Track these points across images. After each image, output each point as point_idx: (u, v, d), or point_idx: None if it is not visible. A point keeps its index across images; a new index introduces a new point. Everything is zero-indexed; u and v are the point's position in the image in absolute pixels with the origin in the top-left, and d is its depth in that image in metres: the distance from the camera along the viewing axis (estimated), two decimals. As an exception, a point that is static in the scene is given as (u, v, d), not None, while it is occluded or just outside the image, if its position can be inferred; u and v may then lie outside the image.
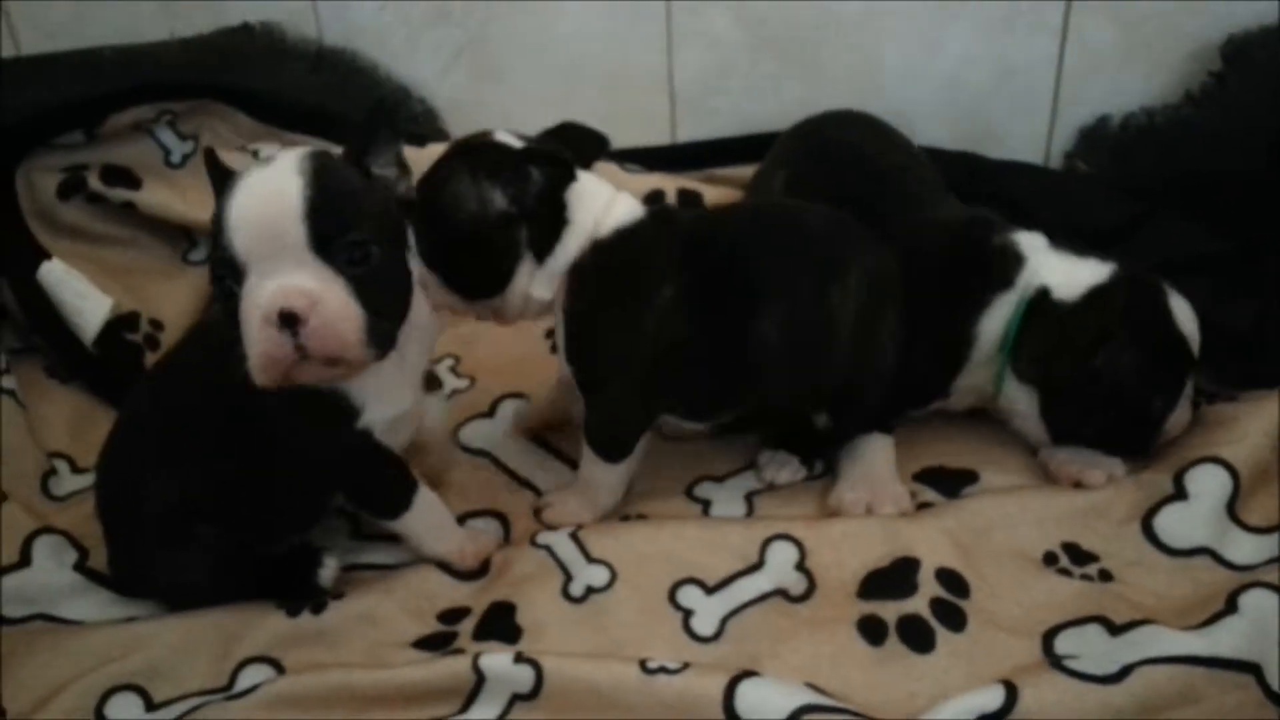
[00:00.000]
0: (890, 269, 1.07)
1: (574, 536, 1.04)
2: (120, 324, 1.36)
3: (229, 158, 1.35)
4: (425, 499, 1.02)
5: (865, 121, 1.35)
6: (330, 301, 0.83)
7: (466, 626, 0.99)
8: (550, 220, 1.00)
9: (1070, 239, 1.13)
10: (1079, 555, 1.01)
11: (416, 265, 0.96)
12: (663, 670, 0.87)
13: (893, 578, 0.98)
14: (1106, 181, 1.46)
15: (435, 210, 0.98)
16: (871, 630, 0.94)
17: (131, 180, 1.42)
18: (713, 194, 1.50)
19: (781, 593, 0.99)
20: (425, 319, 0.99)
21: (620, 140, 1.14)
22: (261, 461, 0.98)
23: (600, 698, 0.88)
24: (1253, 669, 0.84)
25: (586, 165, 1.05)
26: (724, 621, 0.97)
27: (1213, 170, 1.36)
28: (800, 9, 1.51)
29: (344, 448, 0.97)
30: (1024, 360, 1.09)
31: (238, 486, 0.99)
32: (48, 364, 1.35)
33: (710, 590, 0.99)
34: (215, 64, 1.54)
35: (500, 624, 0.98)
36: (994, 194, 1.35)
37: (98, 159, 1.42)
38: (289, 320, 0.82)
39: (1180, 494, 1.03)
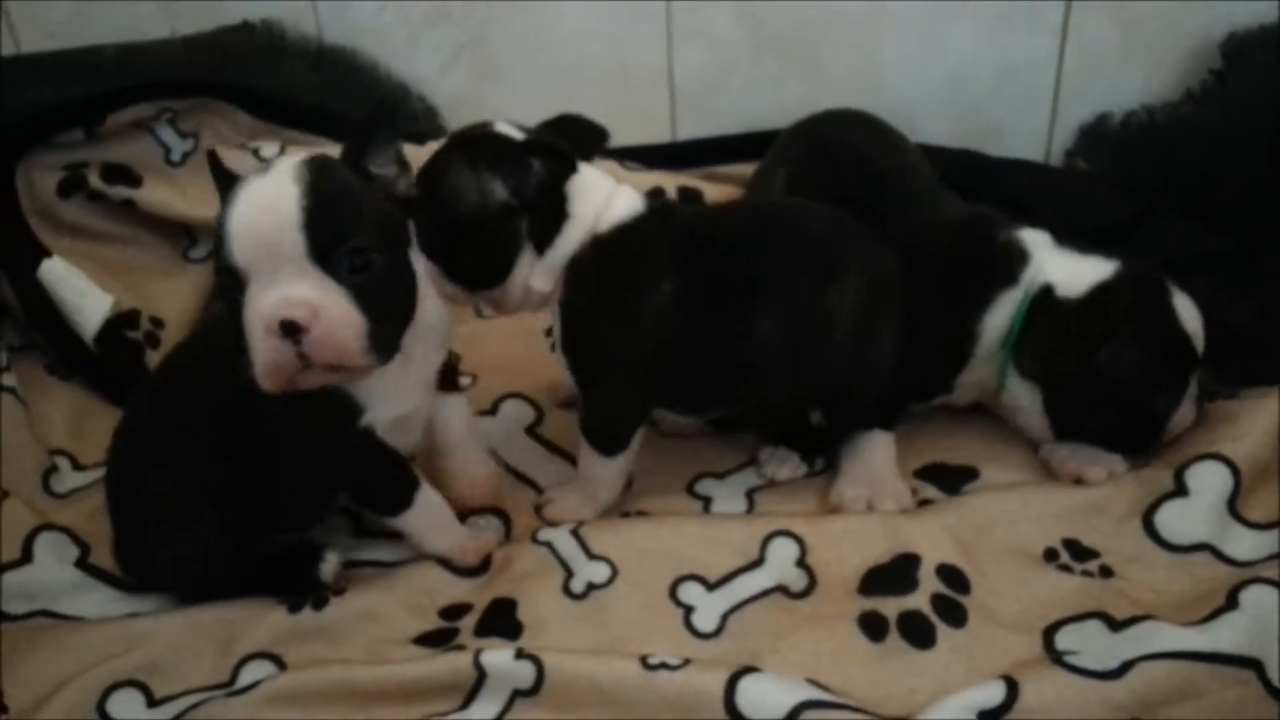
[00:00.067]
0: (890, 269, 1.07)
1: (575, 533, 1.05)
2: (120, 321, 1.36)
3: (229, 156, 1.36)
4: (426, 497, 1.03)
5: (866, 120, 1.35)
6: (331, 310, 0.83)
7: (468, 623, 0.99)
8: (551, 212, 1.00)
9: (1071, 237, 1.13)
10: (1080, 551, 1.01)
11: (420, 260, 0.96)
12: (664, 666, 0.87)
13: (893, 574, 0.98)
14: (1107, 179, 1.46)
15: (436, 201, 0.98)
16: (872, 626, 0.94)
17: (132, 178, 1.42)
18: (713, 192, 1.50)
19: (782, 589, 0.99)
20: (435, 320, 0.99)
21: (621, 138, 1.14)
22: (264, 459, 0.98)
23: (601, 694, 0.88)
24: (1253, 664, 0.85)
25: (586, 158, 1.05)
26: (725, 618, 0.97)
27: (1213, 168, 1.37)
28: (801, 8, 1.51)
29: (346, 446, 0.97)
30: (1028, 357, 1.09)
31: (241, 484, 0.99)
32: (48, 361, 1.35)
33: (711, 586, 0.99)
34: (215, 62, 1.54)
35: (501, 620, 0.98)
36: (995, 192, 1.35)
37: (98, 157, 1.42)
38: (290, 330, 0.82)
39: (1181, 490, 1.03)
